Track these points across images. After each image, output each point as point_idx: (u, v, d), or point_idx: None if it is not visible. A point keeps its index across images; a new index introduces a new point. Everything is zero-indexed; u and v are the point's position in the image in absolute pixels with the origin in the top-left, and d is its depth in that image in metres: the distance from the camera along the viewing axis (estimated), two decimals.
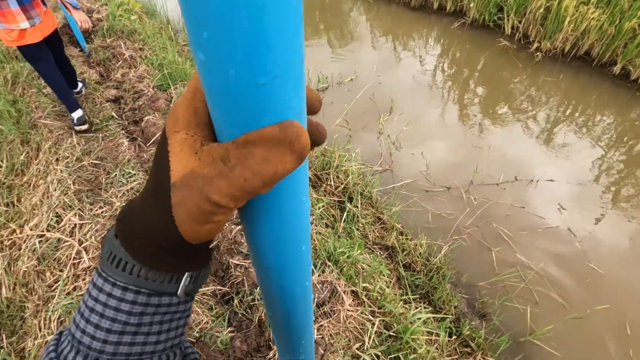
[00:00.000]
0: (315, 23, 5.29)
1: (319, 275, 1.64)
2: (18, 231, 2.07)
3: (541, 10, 4.14)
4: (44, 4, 2.30)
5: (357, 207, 2.35)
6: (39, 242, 1.92)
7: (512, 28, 4.47)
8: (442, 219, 2.51)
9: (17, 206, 2.25)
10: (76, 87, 2.84)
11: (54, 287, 1.74)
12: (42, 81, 3.13)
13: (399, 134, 3.16)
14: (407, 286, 2.06)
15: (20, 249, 1.96)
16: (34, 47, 2.23)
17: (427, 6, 5.30)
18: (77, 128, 2.54)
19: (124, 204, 0.32)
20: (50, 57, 2.36)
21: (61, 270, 1.79)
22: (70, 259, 1.81)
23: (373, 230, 2.33)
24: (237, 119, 0.20)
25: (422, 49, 4.56)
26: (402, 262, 2.20)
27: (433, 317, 1.90)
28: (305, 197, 0.27)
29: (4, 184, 2.43)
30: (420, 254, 2.22)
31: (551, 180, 2.73)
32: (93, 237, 1.90)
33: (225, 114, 0.20)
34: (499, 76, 3.96)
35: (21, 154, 2.53)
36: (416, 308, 1.80)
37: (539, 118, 3.40)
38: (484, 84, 3.88)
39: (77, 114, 2.51)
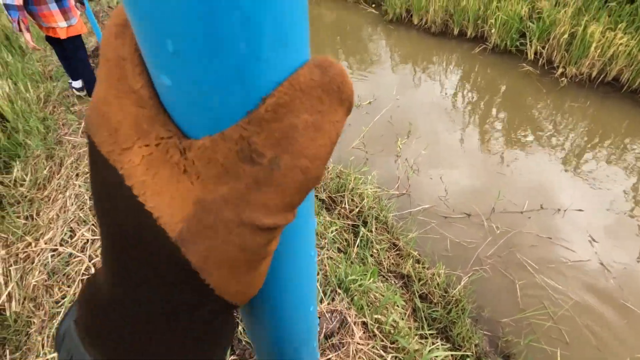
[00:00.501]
0: (336, 48, 5.39)
1: (328, 304, 1.56)
2: (33, 244, 2.09)
3: (565, 36, 4.06)
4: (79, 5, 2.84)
5: (371, 231, 2.27)
6: (52, 256, 1.93)
7: (535, 53, 4.39)
8: (461, 248, 2.38)
9: (36, 219, 2.30)
10: (78, 80, 3.22)
11: (61, 303, 1.72)
12: (71, 100, 3.28)
13: (417, 158, 3.08)
14: (423, 319, 1.93)
15: (33, 262, 1.98)
16: (60, 40, 2.75)
17: (447, 32, 5.31)
18: (74, 86, 3.21)
19: (84, 283, 0.16)
20: (66, 48, 2.85)
21: (69, 286, 1.77)
22: (79, 275, 1.80)
23: (388, 257, 2.23)
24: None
25: (442, 73, 4.53)
26: (418, 292, 2.08)
27: (452, 355, 1.76)
28: (313, 250, 0.21)
29: (26, 197, 2.50)
30: (437, 284, 2.10)
31: (580, 210, 2.57)
32: None
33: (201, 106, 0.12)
34: (522, 101, 3.86)
35: (45, 169, 2.61)
36: (433, 344, 1.67)
37: (566, 144, 3.25)
38: (506, 109, 3.79)
39: (77, 83, 3.20)
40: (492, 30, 4.68)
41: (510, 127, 3.50)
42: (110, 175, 0.13)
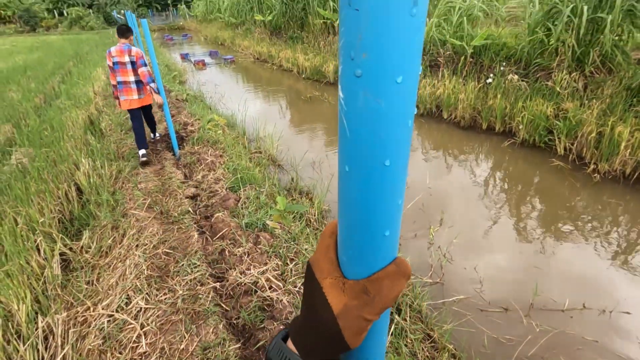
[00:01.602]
0: None
1: None
2: (92, 309, 2.29)
3: (593, 134, 4.24)
4: (147, 83, 4.04)
5: (405, 320, 2.28)
6: (107, 321, 2.10)
7: (565, 149, 4.56)
8: (500, 345, 2.30)
9: (96, 285, 2.53)
10: (155, 134, 4.79)
11: None
12: (138, 177, 3.76)
13: (449, 246, 3.14)
14: None
15: (90, 326, 2.15)
16: (135, 110, 4.11)
17: (476, 126, 5.68)
18: (141, 159, 4.10)
19: (291, 320, 0.45)
20: (141, 117, 4.18)
21: (120, 353, 1.91)
22: (130, 342, 1.94)
23: (422, 349, 2.19)
24: (364, 264, 0.32)
25: (472, 163, 4.75)
26: None
27: None
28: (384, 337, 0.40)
29: (89, 263, 2.78)
30: None
31: (628, 313, 2.44)
32: (153, 323, 2.04)
33: (356, 262, 0.33)
34: (556, 193, 3.92)
35: (109, 238, 2.93)
36: None
37: (607, 240, 3.20)
38: (541, 200, 3.85)
39: (142, 152, 4.13)
40: (520, 127, 4.98)
41: (546, 219, 3.53)
42: (316, 286, 0.34)
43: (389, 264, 0.32)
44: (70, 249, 2.92)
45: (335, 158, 4.95)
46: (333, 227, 0.36)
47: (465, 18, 7.01)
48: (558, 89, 5.17)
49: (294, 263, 2.41)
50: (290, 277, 2.29)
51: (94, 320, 2.18)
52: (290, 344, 0.37)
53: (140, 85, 4.07)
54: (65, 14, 36.24)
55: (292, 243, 2.59)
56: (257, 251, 2.49)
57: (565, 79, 5.23)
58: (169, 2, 41.72)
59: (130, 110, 4.11)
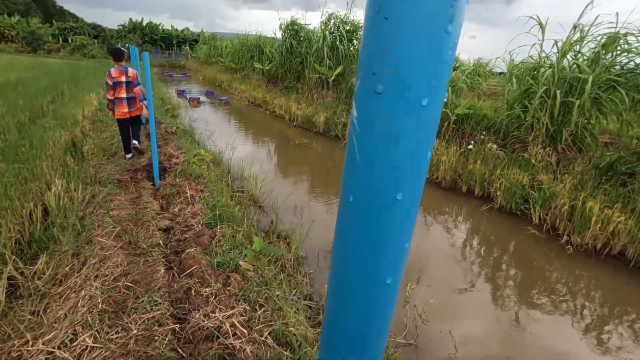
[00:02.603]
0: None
1: None
2: (30, 343, 2.05)
3: (566, 207, 4.42)
4: (140, 100, 4.91)
5: None
6: (46, 359, 1.87)
7: (540, 219, 4.70)
8: None
9: (41, 316, 2.29)
10: (137, 141, 5.09)
11: None
12: (112, 204, 3.62)
13: (426, 306, 3.05)
14: None
15: None
16: (124, 120, 4.89)
17: (457, 188, 5.85)
18: (127, 156, 5.04)
19: None
20: (128, 127, 4.97)
21: None
22: None
23: None
24: (356, 315, 0.27)
25: (451, 224, 4.81)
26: None
27: None
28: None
29: (39, 291, 2.54)
30: None
31: None
32: None
33: (347, 311, 0.27)
34: (531, 263, 3.96)
35: (67, 266, 2.72)
36: None
37: (579, 314, 3.18)
38: (516, 269, 3.86)
39: (129, 155, 5.05)
40: (498, 193, 5.15)
41: (521, 288, 3.51)
42: None
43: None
44: (22, 273, 2.69)
45: (317, 205, 4.93)
46: None
47: (450, 88, 7.54)
48: (533, 161, 5.47)
49: (262, 309, 2.26)
50: (257, 324, 2.13)
51: (30, 357, 1.94)
52: None
53: (132, 101, 4.87)
54: (70, 41, 37.18)
55: (263, 287, 2.46)
56: (225, 293, 2.34)
57: (539, 152, 5.56)
58: (173, 42, 43.60)
59: (120, 120, 4.90)
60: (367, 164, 0.24)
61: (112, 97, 4.78)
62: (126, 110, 4.84)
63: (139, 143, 5.12)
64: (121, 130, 4.96)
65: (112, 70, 4.70)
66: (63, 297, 2.43)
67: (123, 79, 4.72)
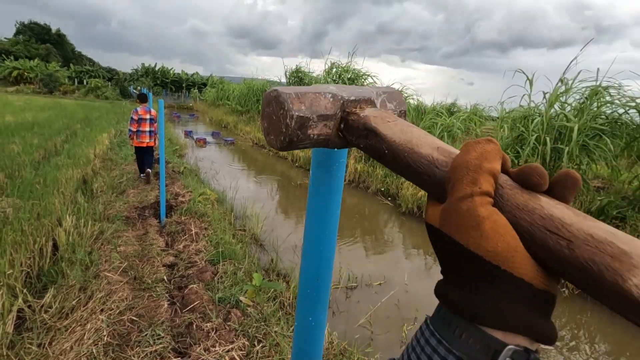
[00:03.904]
0: (353, 225, 6.07)
1: None
2: None
3: None
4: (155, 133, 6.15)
5: None
6: None
7: None
8: None
9: (47, 349, 2.37)
10: (149, 169, 6.11)
11: None
12: (119, 240, 3.77)
13: None
14: None
15: None
16: (142, 148, 6.05)
17: None
18: (141, 176, 6.22)
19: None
20: (142, 154, 6.13)
21: None
22: None
23: None
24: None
25: None
26: None
27: None
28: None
29: (45, 324, 2.63)
30: None
31: None
32: None
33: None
34: None
35: (74, 299, 2.83)
36: None
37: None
38: None
39: (143, 175, 6.17)
40: None
41: None
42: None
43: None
44: (29, 306, 2.79)
45: None
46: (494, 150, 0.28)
47: (446, 133, 7.91)
48: None
49: (261, 345, 2.34)
50: (256, 358, 2.21)
51: None
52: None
53: (152, 134, 6.06)
54: (85, 83, 39.11)
55: (262, 324, 2.55)
56: (225, 328, 2.43)
57: None
58: (183, 85, 45.77)
59: (138, 147, 6.08)
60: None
61: (136, 130, 5.90)
62: (147, 140, 6.01)
63: (151, 170, 6.20)
64: (137, 155, 6.21)
65: (139, 108, 5.88)
66: (69, 330, 2.51)
67: (147, 116, 5.91)
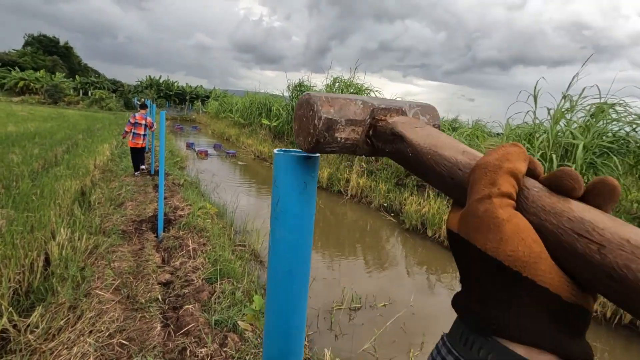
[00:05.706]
0: (355, 242, 5.91)
1: None
2: None
3: None
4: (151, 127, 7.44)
5: None
6: None
7: None
8: None
9: None
10: (143, 166, 7.37)
11: None
12: (114, 255, 3.63)
13: None
14: None
15: None
16: (136, 149, 7.15)
17: None
18: (136, 174, 7.23)
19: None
20: (138, 152, 7.18)
21: None
22: None
23: None
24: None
25: (456, 284, 4.70)
26: None
27: None
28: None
29: (30, 346, 2.47)
30: None
31: None
32: None
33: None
34: None
35: (62, 319, 2.67)
36: None
37: None
38: None
39: (137, 173, 7.23)
40: None
41: None
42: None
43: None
44: (15, 325, 2.63)
45: (318, 262, 4.89)
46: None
47: None
48: None
49: None
50: None
51: None
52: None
53: (145, 137, 7.13)
54: (89, 94, 39.48)
55: (261, 350, 2.38)
56: (221, 355, 2.27)
57: None
58: (186, 97, 46.16)
59: (133, 148, 7.12)
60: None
61: (130, 131, 6.96)
62: (141, 142, 7.10)
63: (144, 165, 7.46)
64: (133, 155, 7.25)
65: (137, 114, 6.93)
66: (54, 354, 2.36)
67: (143, 122, 7.02)
